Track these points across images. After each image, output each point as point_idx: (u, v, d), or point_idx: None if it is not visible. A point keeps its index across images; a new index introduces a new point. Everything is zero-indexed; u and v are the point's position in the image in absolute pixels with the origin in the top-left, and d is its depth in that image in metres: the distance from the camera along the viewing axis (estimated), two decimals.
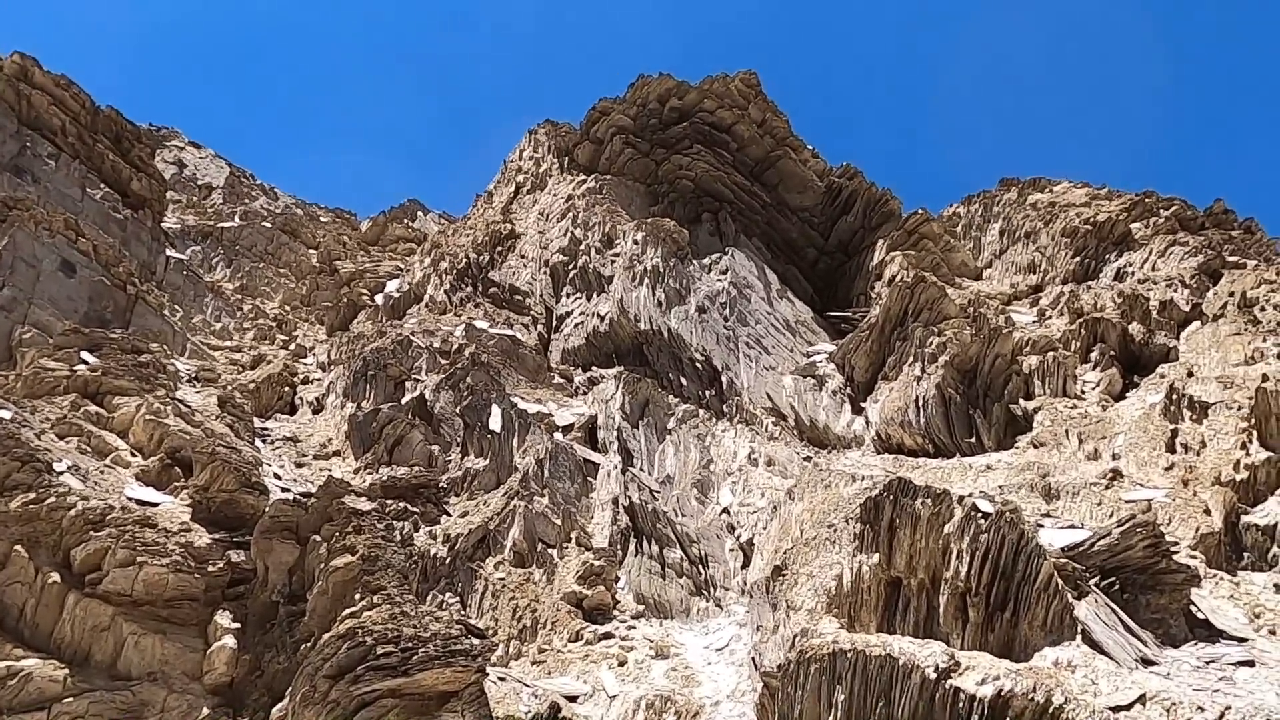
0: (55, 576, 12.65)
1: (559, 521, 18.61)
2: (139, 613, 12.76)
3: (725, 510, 19.99)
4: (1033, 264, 28.69)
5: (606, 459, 20.99)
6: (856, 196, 31.92)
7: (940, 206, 33.57)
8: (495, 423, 20.40)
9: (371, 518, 13.37)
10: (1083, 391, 21.27)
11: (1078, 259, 27.09)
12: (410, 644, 11.01)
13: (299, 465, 18.22)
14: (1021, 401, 21.09)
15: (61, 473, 13.66)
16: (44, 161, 26.37)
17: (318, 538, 13.25)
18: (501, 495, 18.77)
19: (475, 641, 11.84)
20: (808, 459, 21.81)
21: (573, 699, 14.20)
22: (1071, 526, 13.32)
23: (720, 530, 19.57)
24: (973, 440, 20.70)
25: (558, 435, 21.19)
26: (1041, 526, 13.00)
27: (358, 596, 12.04)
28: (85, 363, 16.93)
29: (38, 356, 17.17)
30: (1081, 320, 22.77)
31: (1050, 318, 25.02)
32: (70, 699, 11.84)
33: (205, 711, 12.52)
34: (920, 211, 30.55)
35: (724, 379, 23.81)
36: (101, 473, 14.36)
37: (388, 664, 10.77)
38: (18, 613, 12.41)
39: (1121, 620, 10.69)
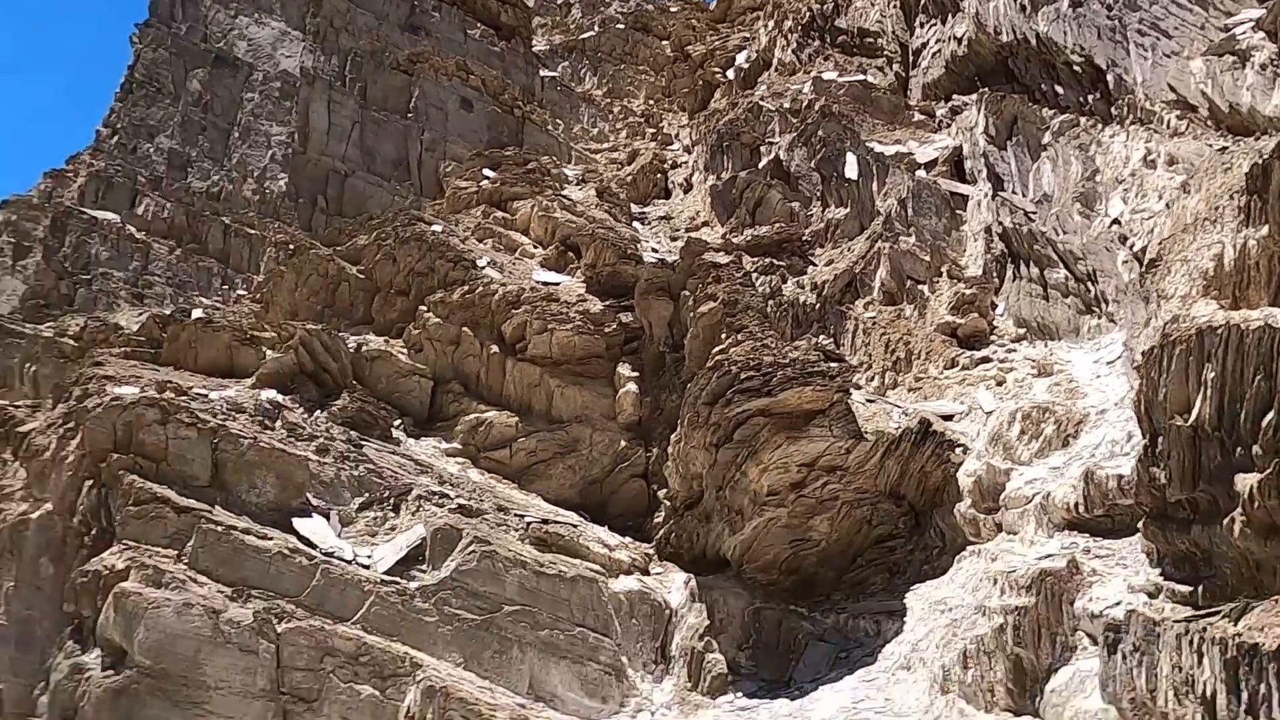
0: (494, 348, 15.67)
1: (927, 258, 18.41)
2: (559, 371, 15.44)
3: (1115, 221, 18.16)
4: None
5: (975, 188, 19.98)
6: None
7: None
8: (851, 170, 20.30)
9: (729, 268, 14.52)
10: None
11: None
12: (770, 369, 12.16)
13: (673, 239, 19.95)
14: None
15: (483, 267, 16.56)
16: (430, 15, 29.93)
17: (685, 292, 14.77)
18: (865, 239, 18.95)
19: (833, 365, 12.68)
20: (1223, 149, 18.77)
21: (948, 418, 14.61)
22: None
23: (1110, 243, 17.91)
24: None
25: (920, 173, 20.52)
26: None
27: (723, 336, 13.39)
28: (487, 178, 19.86)
29: (453, 179, 20.49)
30: None
31: None
32: (522, 439, 14.94)
33: (622, 443, 15.06)
34: None
35: (1110, 78, 20.89)
36: (513, 264, 17.14)
37: (751, 387, 12.06)
38: (474, 378, 15.68)
39: None
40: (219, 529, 11.19)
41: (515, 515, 13.08)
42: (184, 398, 12.42)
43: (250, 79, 27.89)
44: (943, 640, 10.42)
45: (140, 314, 20.56)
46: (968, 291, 17.17)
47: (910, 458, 13.38)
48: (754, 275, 17.62)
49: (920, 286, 17.98)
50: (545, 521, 13.06)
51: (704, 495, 13.35)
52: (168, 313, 17.30)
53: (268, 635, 10.56)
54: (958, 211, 19.81)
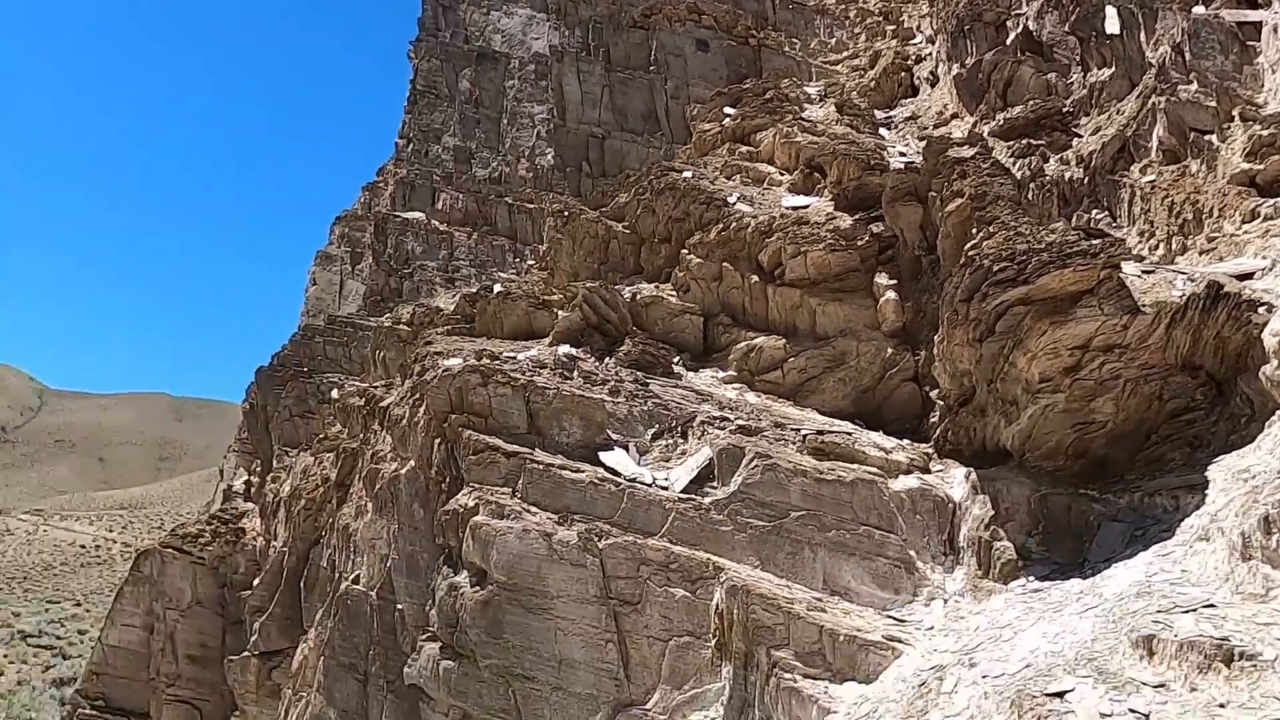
0: (754, 278, 16.58)
1: (1213, 103, 16.68)
2: (818, 290, 16.04)
3: None
4: None
5: (1268, 12, 17.63)
6: None
7: None
8: (1112, 25, 18.68)
9: (974, 161, 14.23)
10: None
11: None
12: (1024, 257, 12.00)
13: (921, 139, 19.54)
14: None
15: (734, 203, 17.44)
16: None
17: (932, 193, 14.70)
18: (1135, 98, 17.52)
19: (1094, 242, 12.22)
20: None
21: (1245, 276, 13.46)
22: None
23: None
24: None
25: (1197, 9, 18.42)
26: None
27: (974, 231, 13.28)
28: (728, 115, 20.60)
29: (698, 123, 21.45)
30: None
31: None
32: (792, 359, 15.80)
33: (889, 351, 15.43)
34: None
35: None
36: (762, 195, 17.86)
37: (1006, 278, 11.98)
38: (740, 309, 16.72)
39: None
40: (540, 467, 13.22)
41: (792, 430, 14.03)
42: (497, 362, 14.61)
43: (509, 67, 30.53)
44: (1242, 508, 10.00)
45: (453, 296, 23.82)
46: (1265, 133, 15.42)
47: (1201, 325, 12.59)
48: (1011, 160, 17.02)
49: (1207, 137, 16.37)
50: (821, 432, 13.88)
51: (975, 391, 13.46)
52: (474, 291, 20.02)
53: (592, 551, 12.43)
54: (1249, 44, 17.62)
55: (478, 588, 12.52)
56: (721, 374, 15.96)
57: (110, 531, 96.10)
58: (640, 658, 12.12)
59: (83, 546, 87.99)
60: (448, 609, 12.75)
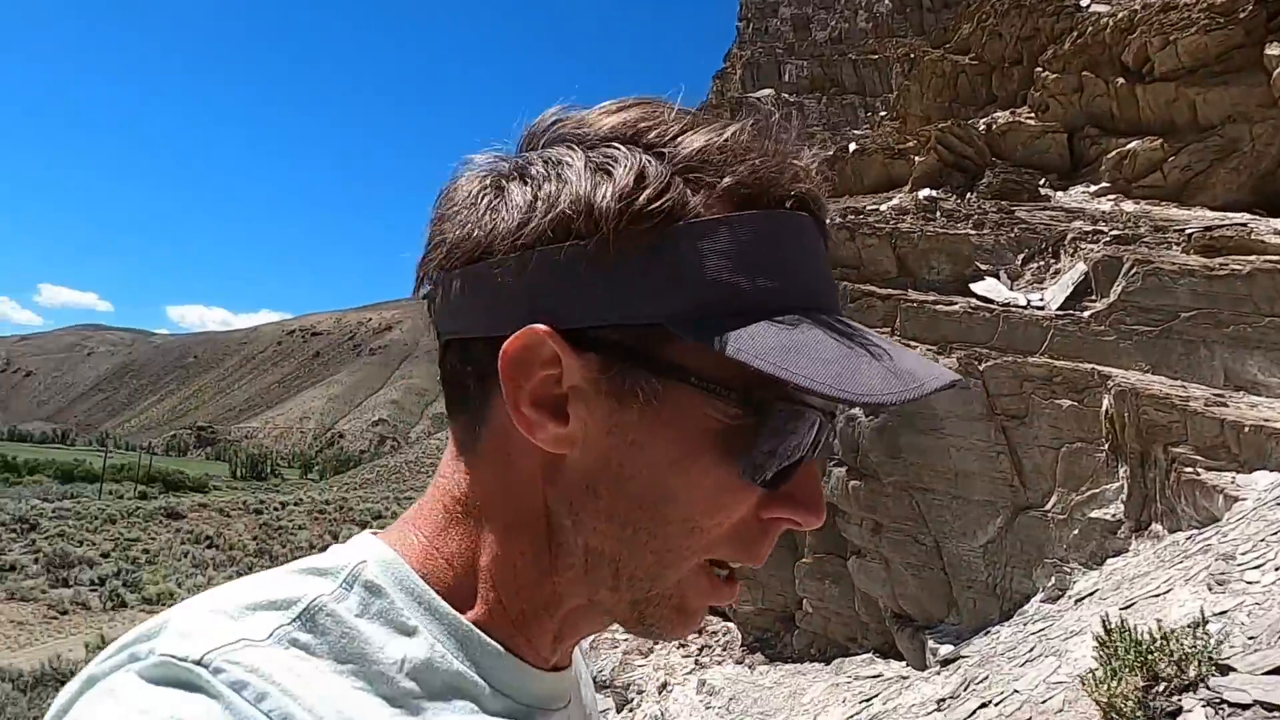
0: (1120, 80, 15.78)
1: None
2: (1194, 78, 14.91)
3: None
4: None
5: None
6: None
7: None
8: None
9: None
10: None
11: None
12: None
13: None
14: None
15: (1087, 5, 16.52)
16: None
17: None
18: None
19: None
20: None
21: None
22: None
23: None
24: None
25: None
26: None
27: None
28: None
29: None
30: None
31: None
32: (1172, 157, 15.00)
33: None
34: None
35: None
36: None
37: None
38: (1107, 116, 16.04)
39: None
40: (915, 304, 14.34)
41: (1174, 231, 13.61)
42: (861, 216, 15.78)
43: None
44: None
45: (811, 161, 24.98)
46: None
47: None
48: None
49: None
50: (1208, 229, 13.32)
51: None
52: (831, 154, 21.05)
53: (973, 373, 13.42)
54: None
55: (872, 416, 14.16)
56: (1094, 188, 15.65)
57: None
58: (1033, 465, 13.04)
59: None
60: (849, 437, 14.57)
